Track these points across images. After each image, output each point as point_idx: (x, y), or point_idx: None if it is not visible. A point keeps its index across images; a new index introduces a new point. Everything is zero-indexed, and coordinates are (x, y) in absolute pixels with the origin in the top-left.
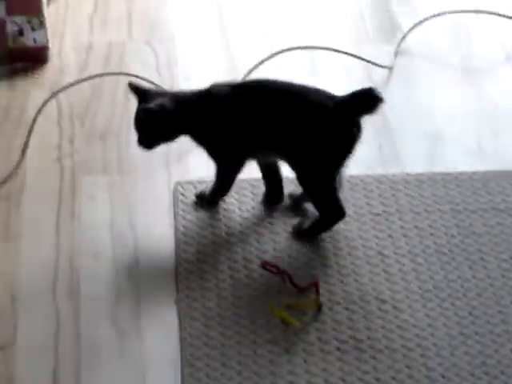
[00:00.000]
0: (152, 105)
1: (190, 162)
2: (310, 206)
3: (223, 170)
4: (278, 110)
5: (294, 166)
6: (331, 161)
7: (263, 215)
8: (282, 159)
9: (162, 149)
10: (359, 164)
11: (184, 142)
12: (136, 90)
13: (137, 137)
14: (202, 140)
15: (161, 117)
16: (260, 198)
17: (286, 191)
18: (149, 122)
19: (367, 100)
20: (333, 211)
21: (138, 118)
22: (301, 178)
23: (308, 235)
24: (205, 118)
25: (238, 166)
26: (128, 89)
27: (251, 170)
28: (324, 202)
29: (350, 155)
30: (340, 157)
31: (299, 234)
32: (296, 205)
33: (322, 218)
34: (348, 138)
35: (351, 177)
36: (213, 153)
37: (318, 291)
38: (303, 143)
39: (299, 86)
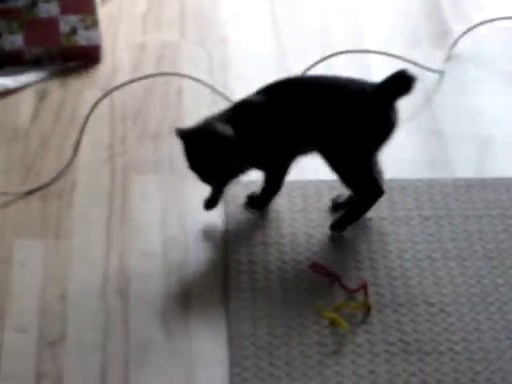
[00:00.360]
0: (219, 131)
1: None
2: None
3: (271, 173)
4: (315, 103)
5: (332, 156)
6: (370, 147)
7: (313, 217)
8: (320, 152)
9: None
10: (409, 168)
11: None
12: (181, 133)
13: (205, 178)
14: (249, 154)
15: (231, 143)
16: (311, 199)
17: (329, 195)
18: (222, 153)
19: (401, 82)
20: (371, 190)
21: (206, 152)
22: (339, 167)
23: (347, 223)
24: (250, 130)
25: (285, 168)
26: (175, 134)
27: (302, 172)
28: (363, 184)
29: (388, 140)
30: (378, 142)
31: (338, 224)
32: (336, 210)
33: (361, 199)
34: (386, 124)
35: (401, 180)
36: (260, 162)
37: (366, 293)
38: (343, 132)
39: (330, 77)
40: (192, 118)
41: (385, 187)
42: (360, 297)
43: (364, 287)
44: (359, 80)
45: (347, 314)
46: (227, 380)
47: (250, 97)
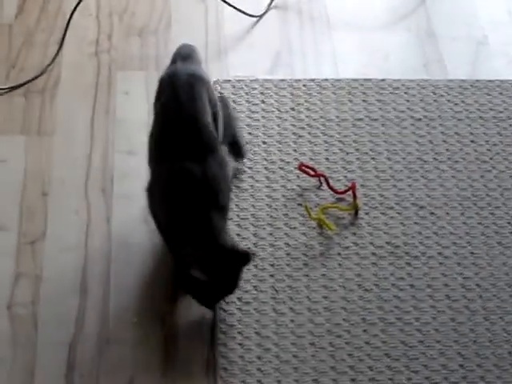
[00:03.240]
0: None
1: (229, 60)
2: None
3: None
4: None
5: None
6: None
7: (303, 117)
8: None
9: (200, 45)
10: (402, 68)
11: (223, 39)
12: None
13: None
14: None
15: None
16: (300, 99)
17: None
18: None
19: None
20: None
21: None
22: None
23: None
24: None
25: None
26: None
27: (291, 70)
28: None
29: None
30: None
31: None
32: None
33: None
34: None
35: (393, 80)
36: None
37: (355, 195)
38: None
39: None
40: (179, 12)
41: (376, 88)
42: (348, 199)
43: (353, 189)
44: None
45: (335, 216)
46: None
47: None
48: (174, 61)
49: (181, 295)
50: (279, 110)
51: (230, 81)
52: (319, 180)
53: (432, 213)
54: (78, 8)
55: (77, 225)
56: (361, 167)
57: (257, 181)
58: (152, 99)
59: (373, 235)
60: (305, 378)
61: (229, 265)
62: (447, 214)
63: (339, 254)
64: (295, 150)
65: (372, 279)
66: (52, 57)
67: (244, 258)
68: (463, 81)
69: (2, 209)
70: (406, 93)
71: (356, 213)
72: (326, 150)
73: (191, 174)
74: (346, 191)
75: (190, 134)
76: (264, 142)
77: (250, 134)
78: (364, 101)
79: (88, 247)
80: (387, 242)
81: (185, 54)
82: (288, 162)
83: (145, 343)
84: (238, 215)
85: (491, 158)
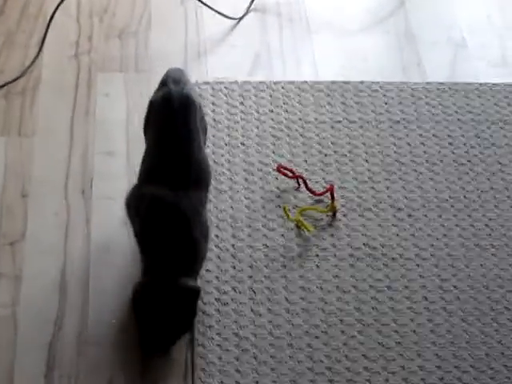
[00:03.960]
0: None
1: (209, 62)
2: None
3: None
4: None
5: None
6: None
7: (281, 119)
8: None
9: (179, 48)
10: (380, 71)
11: (202, 41)
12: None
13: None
14: None
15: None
16: (279, 101)
17: (297, 98)
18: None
19: None
20: None
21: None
22: None
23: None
24: None
25: None
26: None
27: (270, 72)
28: None
29: None
30: None
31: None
32: None
33: None
34: None
35: (371, 83)
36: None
37: (333, 196)
38: None
39: None
40: (159, 14)
41: (354, 90)
42: (326, 200)
43: (330, 191)
44: None
45: (313, 218)
46: None
47: None
48: (164, 83)
49: None
50: (258, 112)
51: (209, 83)
52: (297, 181)
53: (410, 215)
54: (58, 9)
55: (56, 226)
56: (339, 169)
57: (235, 182)
58: (132, 101)
59: (350, 237)
60: (283, 379)
61: (178, 302)
62: (425, 215)
63: (317, 255)
64: (274, 152)
65: (350, 281)
66: (32, 58)
67: (192, 293)
68: (441, 83)
69: None
70: (384, 95)
71: (334, 214)
72: (305, 152)
73: (168, 202)
74: (324, 193)
75: (180, 165)
76: (243, 144)
77: (228, 135)
78: (342, 103)
79: (67, 248)
80: (365, 244)
81: (176, 78)
82: (266, 164)
83: (124, 344)
84: (216, 216)
85: (469, 161)
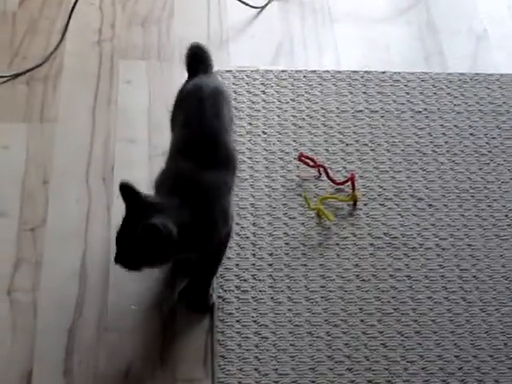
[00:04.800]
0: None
1: (231, 51)
2: None
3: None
4: None
5: None
6: None
7: (303, 108)
8: None
9: (202, 35)
10: (402, 61)
11: (225, 30)
12: (128, 193)
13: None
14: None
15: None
16: (301, 90)
17: (319, 87)
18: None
19: None
20: None
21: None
22: None
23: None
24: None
25: None
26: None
27: (292, 61)
28: None
29: None
30: None
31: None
32: None
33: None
34: None
35: (393, 73)
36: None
37: (354, 186)
38: None
39: None
40: (182, 2)
41: (376, 80)
42: (347, 189)
43: (352, 180)
44: None
45: (334, 207)
46: None
47: None
48: (191, 66)
49: (180, 282)
50: (280, 101)
51: (231, 71)
52: (318, 171)
53: (430, 204)
54: None
55: (77, 212)
56: (360, 158)
57: (256, 171)
58: (153, 88)
59: (371, 226)
60: (301, 367)
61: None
62: (445, 205)
63: (337, 244)
64: (295, 141)
65: (370, 269)
66: (55, 45)
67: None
68: (463, 74)
69: (3, 195)
70: (406, 85)
71: (354, 204)
72: (326, 140)
73: (192, 178)
74: (345, 182)
75: (207, 144)
76: (264, 133)
77: (250, 124)
78: (364, 93)
79: (88, 235)
80: (385, 233)
81: (201, 59)
82: (288, 153)
83: (143, 330)
84: (237, 205)
85: (490, 151)
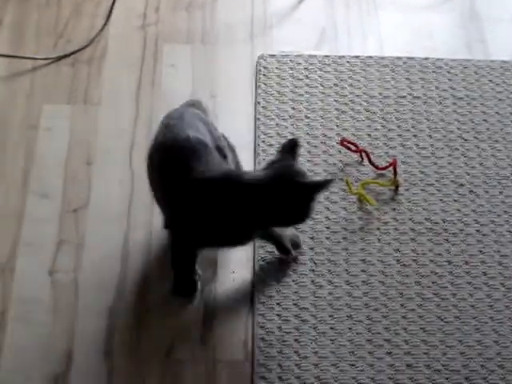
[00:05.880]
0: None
1: (274, 35)
2: None
3: None
4: None
5: None
6: None
7: (346, 93)
8: None
9: (246, 21)
10: (444, 48)
11: (269, 15)
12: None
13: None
14: None
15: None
16: (344, 75)
17: (362, 72)
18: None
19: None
20: None
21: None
22: None
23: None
24: None
25: None
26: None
27: (335, 47)
28: None
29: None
30: None
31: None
32: None
33: None
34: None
35: (436, 59)
36: None
37: (395, 171)
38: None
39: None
40: None
41: (419, 66)
42: (389, 174)
43: (393, 165)
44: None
45: (375, 192)
46: None
47: None
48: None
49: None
50: (323, 86)
51: (274, 56)
52: (360, 155)
53: (471, 191)
54: None
55: (120, 194)
56: (402, 144)
57: (299, 155)
58: (197, 73)
59: (412, 211)
60: (341, 350)
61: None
62: (486, 192)
63: (378, 228)
64: (337, 126)
65: (410, 254)
66: (99, 28)
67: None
68: (505, 62)
69: (47, 177)
70: (448, 72)
71: (396, 189)
72: (368, 126)
73: None
74: (386, 167)
75: None
76: (307, 117)
77: (293, 108)
78: (407, 79)
79: (130, 217)
80: (426, 219)
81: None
82: (330, 137)
83: (184, 311)
84: None
85: None
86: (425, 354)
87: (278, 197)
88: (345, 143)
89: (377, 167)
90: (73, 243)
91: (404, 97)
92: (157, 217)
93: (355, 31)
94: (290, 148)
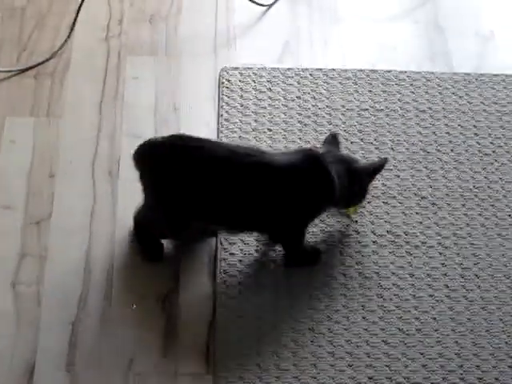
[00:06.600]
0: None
1: (238, 48)
2: None
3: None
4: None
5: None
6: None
7: (309, 106)
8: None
9: (209, 33)
10: (408, 60)
11: (232, 27)
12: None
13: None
14: None
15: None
16: (307, 88)
17: (325, 85)
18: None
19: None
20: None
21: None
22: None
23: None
24: None
25: None
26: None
27: (297, 59)
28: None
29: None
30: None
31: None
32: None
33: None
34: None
35: (399, 72)
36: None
37: None
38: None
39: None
40: (192, 0)
41: (382, 79)
42: None
43: None
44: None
45: None
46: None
47: None
48: None
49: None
50: (285, 99)
51: (237, 68)
52: None
53: (433, 203)
54: None
55: (82, 206)
56: (364, 156)
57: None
58: (160, 85)
59: (374, 224)
60: (302, 363)
61: None
62: (448, 204)
63: (340, 241)
64: (300, 138)
65: (372, 267)
66: (63, 40)
67: None
68: (468, 74)
69: (10, 189)
70: (411, 84)
71: None
72: None
73: None
74: None
75: None
76: (270, 130)
77: (256, 121)
78: (370, 91)
79: (93, 229)
80: (388, 231)
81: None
82: None
83: (146, 324)
84: None
85: (493, 151)
86: (386, 366)
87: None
88: None
89: None
90: (35, 255)
91: (367, 109)
92: (119, 229)
93: (318, 44)
94: (334, 140)
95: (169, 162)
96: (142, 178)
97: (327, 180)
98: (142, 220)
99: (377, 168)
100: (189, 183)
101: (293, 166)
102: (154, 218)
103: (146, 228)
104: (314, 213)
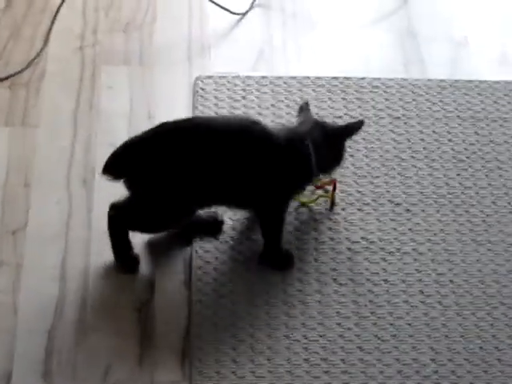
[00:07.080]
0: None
1: (212, 56)
2: None
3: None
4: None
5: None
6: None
7: (282, 114)
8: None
9: (183, 42)
10: (381, 67)
11: (206, 36)
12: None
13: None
14: None
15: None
16: (281, 96)
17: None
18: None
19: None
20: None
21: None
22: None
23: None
24: None
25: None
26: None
27: (271, 68)
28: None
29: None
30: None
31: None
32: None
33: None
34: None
35: (372, 79)
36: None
37: (334, 189)
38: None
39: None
40: (164, 9)
41: (355, 86)
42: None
43: (333, 183)
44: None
45: (312, 211)
46: None
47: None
48: None
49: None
50: (260, 107)
51: (212, 77)
52: None
53: (408, 210)
54: (64, 3)
55: (58, 215)
56: None
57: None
58: (135, 94)
59: (349, 230)
60: (278, 370)
61: None
62: (422, 211)
63: (315, 248)
64: None
65: (347, 274)
66: (38, 50)
67: None
68: (442, 81)
69: None
70: (385, 91)
71: (332, 205)
72: None
73: None
74: (324, 185)
75: None
76: None
77: None
78: (343, 99)
79: (69, 237)
80: (362, 238)
81: None
82: None
83: (122, 332)
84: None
85: (468, 157)
86: (362, 372)
87: (323, 144)
88: None
89: (315, 186)
90: (11, 264)
91: (341, 117)
92: (95, 237)
93: (292, 51)
94: (307, 106)
95: (158, 154)
96: (130, 181)
97: (305, 159)
98: (128, 219)
99: (352, 127)
100: (184, 168)
101: (276, 145)
102: (147, 215)
103: (127, 226)
104: (294, 188)
